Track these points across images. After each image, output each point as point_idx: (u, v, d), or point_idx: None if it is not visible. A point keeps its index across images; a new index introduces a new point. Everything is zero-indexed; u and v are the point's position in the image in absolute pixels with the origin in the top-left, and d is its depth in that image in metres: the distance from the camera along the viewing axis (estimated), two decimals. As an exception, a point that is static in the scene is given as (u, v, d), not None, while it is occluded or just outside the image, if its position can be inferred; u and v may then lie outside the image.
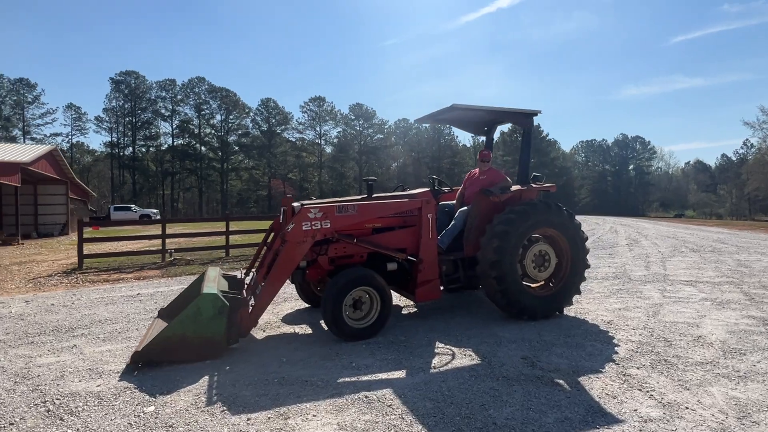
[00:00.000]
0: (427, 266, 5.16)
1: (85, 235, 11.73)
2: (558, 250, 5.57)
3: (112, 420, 3.14)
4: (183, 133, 71.36)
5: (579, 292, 5.62)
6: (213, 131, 72.92)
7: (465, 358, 4.18)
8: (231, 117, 72.86)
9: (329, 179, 77.84)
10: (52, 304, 7.01)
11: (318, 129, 78.68)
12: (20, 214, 24.97)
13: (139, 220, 32.16)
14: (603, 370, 3.84)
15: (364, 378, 3.76)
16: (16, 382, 3.82)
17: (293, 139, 77.19)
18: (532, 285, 5.63)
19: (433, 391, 3.47)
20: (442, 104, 5.52)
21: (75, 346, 4.82)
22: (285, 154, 74.84)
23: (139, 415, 3.19)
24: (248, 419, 3.11)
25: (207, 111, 71.89)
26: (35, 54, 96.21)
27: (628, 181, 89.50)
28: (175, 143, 71.62)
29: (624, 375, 3.74)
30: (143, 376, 3.90)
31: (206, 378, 3.83)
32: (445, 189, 6.20)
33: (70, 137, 71.14)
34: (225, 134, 72.63)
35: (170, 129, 71.58)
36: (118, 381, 3.82)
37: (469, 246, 5.43)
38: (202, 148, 72.34)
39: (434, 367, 3.97)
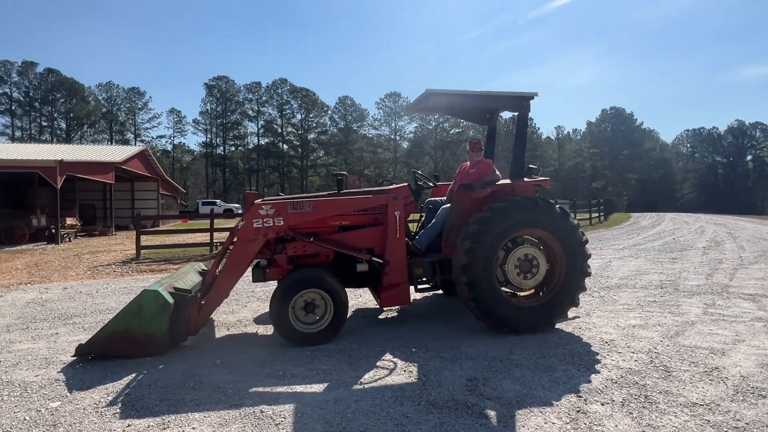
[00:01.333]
0: (394, 269, 4.72)
1: (170, 226, 12.86)
2: (550, 255, 4.81)
3: (15, 413, 3.19)
4: (267, 132, 75.76)
5: (575, 304, 4.79)
6: (294, 130, 76.48)
7: (402, 375, 3.71)
8: (311, 115, 75.84)
9: (404, 174, 77.89)
10: (80, 292, 7.62)
11: (393, 125, 79.06)
12: (117, 208, 28.19)
13: (222, 214, 34.70)
14: (555, 404, 3.16)
15: (280, 389, 3.48)
16: (-28, 367, 4.09)
17: (370, 135, 78.45)
18: (521, 294, 4.93)
19: (337, 413, 3.08)
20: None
21: (56, 334, 5.11)
22: (361, 150, 76.28)
23: (40, 411, 3.21)
24: (129, 425, 2.98)
25: (288, 111, 75.60)
26: (144, 65, 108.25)
27: (744, 174, 78.44)
28: (260, 142, 76.27)
29: (578, 412, 3.05)
30: (82, 369, 3.97)
31: (133, 375, 3.80)
32: (429, 185, 5.66)
33: (172, 138, 78.88)
34: (305, 132, 75.80)
35: (256, 129, 76.36)
36: (57, 372, 3.93)
37: (448, 247, 4.87)
38: (284, 146, 76.20)
39: (361, 383, 3.56)
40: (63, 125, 70.50)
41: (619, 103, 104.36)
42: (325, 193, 5.38)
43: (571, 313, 5.40)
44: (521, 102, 5.06)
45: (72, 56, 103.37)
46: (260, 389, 3.49)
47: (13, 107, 67.66)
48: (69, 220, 21.13)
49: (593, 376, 3.61)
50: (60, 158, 18.39)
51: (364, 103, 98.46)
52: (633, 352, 4.11)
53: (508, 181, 5.00)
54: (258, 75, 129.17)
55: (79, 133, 70.65)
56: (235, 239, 4.63)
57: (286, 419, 3.01)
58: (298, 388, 3.49)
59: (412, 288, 4.93)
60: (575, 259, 4.70)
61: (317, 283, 4.44)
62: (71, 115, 69.73)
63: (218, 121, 75.28)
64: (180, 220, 30.71)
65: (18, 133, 67.66)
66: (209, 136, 76.60)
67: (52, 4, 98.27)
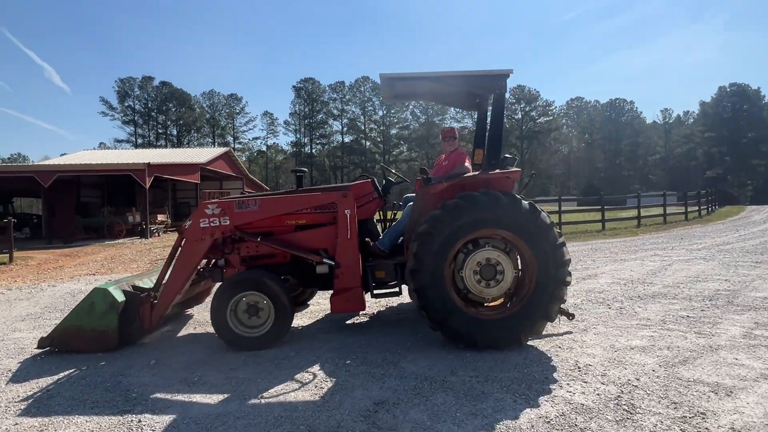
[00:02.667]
0: (345, 271, 4.36)
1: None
2: (520, 260, 4.09)
3: (-53, 401, 3.43)
4: (350, 129, 77.91)
5: (549, 319, 4.00)
6: (376, 126, 77.70)
7: (310, 392, 3.36)
8: (392, 111, 76.40)
9: (487, 168, 75.42)
10: (115, 284, 8.28)
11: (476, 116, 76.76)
12: (194, 206, 30.86)
13: None
14: (451, 443, 2.62)
15: (179, 397, 3.33)
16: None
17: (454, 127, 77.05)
18: (490, 303, 4.27)
19: (208, 430, 2.85)
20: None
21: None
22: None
23: (-36, 400, 3.41)
24: (16, 423, 3.03)
25: (371, 108, 76.94)
26: (241, 72, 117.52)
27: None
28: (343, 140, 78.69)
29: (469, 458, 2.48)
30: (39, 361, 4.21)
31: (70, 371, 3.92)
32: (400, 180, 5.13)
33: (265, 139, 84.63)
34: (386, 128, 76.61)
35: (340, 127, 78.89)
36: (17, 363, 4.20)
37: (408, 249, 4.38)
38: (367, 142, 77.76)
39: (261, 397, 3.28)
40: (174, 132, 78.96)
41: (741, 80, 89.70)
42: (282, 191, 5.15)
43: (564, 326, 4.61)
44: (494, 81, 4.38)
45: (181, 69, 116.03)
46: (162, 395, 3.38)
47: (135, 118, 77.35)
48: (160, 217, 23.52)
49: (527, 411, 2.95)
50: (147, 161, 20.47)
51: None
52: (603, 383, 3.31)
53: (472, 173, 4.36)
54: (341, 75, 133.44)
55: (188, 137, 78.66)
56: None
57: (154, 432, 2.84)
58: (197, 398, 3.31)
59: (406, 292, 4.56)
60: (547, 265, 3.93)
61: (254, 285, 4.24)
62: (181, 122, 77.90)
63: (305, 121, 79.01)
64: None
65: (140, 140, 77.18)
66: (298, 135, 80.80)
67: (165, 24, 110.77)
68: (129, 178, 21.35)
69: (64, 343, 4.38)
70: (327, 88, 78.14)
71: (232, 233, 4.49)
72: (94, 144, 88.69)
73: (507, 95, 4.80)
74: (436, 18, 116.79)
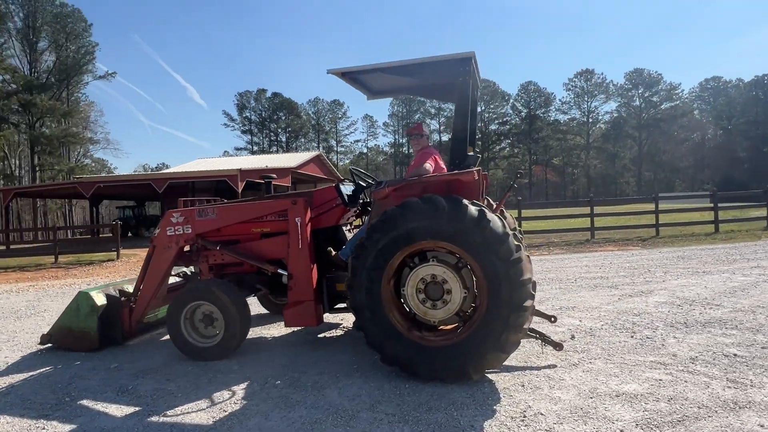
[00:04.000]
0: (296, 283, 4.09)
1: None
2: (472, 278, 3.43)
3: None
4: (447, 128, 76.83)
5: (503, 351, 3.25)
6: (473, 123, 75.71)
7: (209, 415, 3.14)
8: (491, 107, 73.69)
9: (598, 162, 68.76)
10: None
11: (585, 106, 70.45)
12: None
13: None
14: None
15: (97, 407, 3.35)
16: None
17: (559, 120, 71.70)
18: (444, 327, 3.66)
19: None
20: None
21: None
22: (546, 139, 70.39)
23: (-52, 390, 3.86)
24: (-44, 418, 3.31)
25: (468, 104, 75.12)
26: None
27: None
28: (440, 139, 77.88)
29: None
30: (32, 356, 4.65)
31: (46, 369, 4.23)
32: (371, 183, 4.65)
33: (365, 142, 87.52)
34: (484, 124, 74.04)
35: (437, 126, 78.24)
36: (21, 356, 4.68)
37: (366, 260, 3.97)
38: (465, 140, 76.12)
39: (164, 415, 3.15)
40: (283, 138, 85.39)
41: None
42: (248, 198, 5.02)
43: (552, 358, 3.79)
44: (454, 68, 3.75)
45: (290, 80, 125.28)
46: (88, 402, 3.44)
47: (251, 127, 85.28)
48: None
49: (413, 468, 2.40)
50: (239, 168, 22.26)
51: (550, 86, 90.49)
52: (536, 442, 2.59)
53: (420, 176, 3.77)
54: None
55: (296, 143, 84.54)
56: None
57: (40, 442, 2.88)
58: (111, 409, 3.30)
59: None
60: (499, 285, 3.21)
61: (203, 295, 4.16)
62: (289, 129, 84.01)
63: (403, 122, 79.88)
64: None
65: (255, 147, 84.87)
66: (396, 136, 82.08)
67: (275, 39, 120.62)
68: (224, 184, 23.46)
69: (59, 341, 4.76)
70: (424, 88, 78.23)
71: (194, 241, 4.49)
72: (219, 152, 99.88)
73: (479, 82, 4.12)
74: (530, 6, 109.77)
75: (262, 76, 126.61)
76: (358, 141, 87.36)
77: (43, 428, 3.06)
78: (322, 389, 3.44)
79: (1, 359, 4.61)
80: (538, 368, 3.63)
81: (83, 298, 4.62)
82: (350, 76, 4.13)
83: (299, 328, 5.14)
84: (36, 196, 28.34)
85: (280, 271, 4.21)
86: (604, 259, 9.39)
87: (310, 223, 4.16)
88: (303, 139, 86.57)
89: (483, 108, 73.64)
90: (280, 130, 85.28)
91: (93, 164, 66.52)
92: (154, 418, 3.11)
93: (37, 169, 48.05)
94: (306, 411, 3.10)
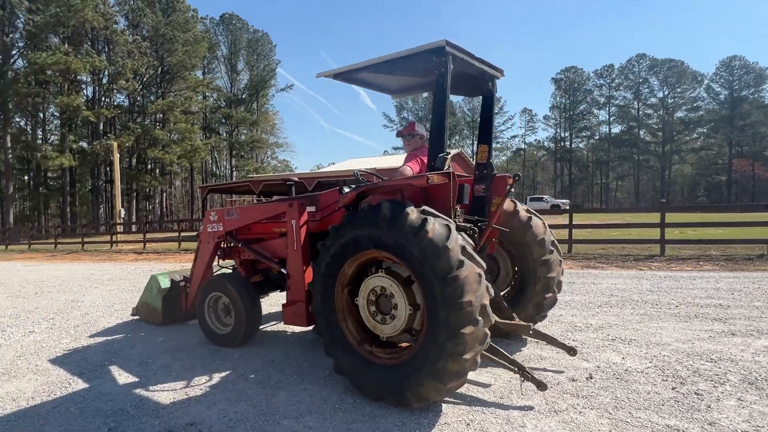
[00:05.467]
0: (293, 283, 4.23)
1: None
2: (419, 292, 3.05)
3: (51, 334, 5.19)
4: (619, 119, 68.01)
5: (441, 381, 2.78)
6: (653, 111, 65.23)
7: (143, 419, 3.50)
8: (677, 90, 62.56)
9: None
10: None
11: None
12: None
13: (549, 210, 34.09)
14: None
15: (73, 379, 3.86)
16: (69, 303, 6.61)
17: (774, 103, 57.17)
18: (402, 344, 3.33)
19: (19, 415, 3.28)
20: None
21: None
22: (755, 125, 56.63)
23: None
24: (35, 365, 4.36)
25: (646, 90, 65.09)
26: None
27: None
28: (609, 131, 69.37)
29: None
30: (123, 324, 5.77)
31: (105, 338, 5.24)
32: (349, 187, 4.39)
33: (523, 137, 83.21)
34: (667, 113, 63.24)
35: (606, 117, 69.86)
36: (116, 323, 5.87)
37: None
38: (640, 131, 66.20)
39: (133, 385, 3.64)
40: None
41: None
42: (269, 201, 5.26)
43: (536, 398, 3.17)
44: (429, 59, 3.38)
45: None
46: (72, 376, 4.11)
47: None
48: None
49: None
50: (374, 167, 23.49)
51: (763, 60, 71.59)
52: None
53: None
54: (609, 57, 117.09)
55: (450, 142, 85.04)
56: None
57: None
58: (117, 374, 3.94)
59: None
60: (435, 304, 2.79)
61: (217, 287, 4.60)
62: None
63: (566, 114, 73.52)
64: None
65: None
66: (558, 130, 76.03)
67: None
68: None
69: (141, 314, 5.82)
70: (591, 75, 70.49)
71: (224, 238, 4.98)
72: (380, 151, 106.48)
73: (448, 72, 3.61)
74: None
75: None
76: (514, 137, 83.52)
77: (69, 384, 3.81)
78: (277, 389, 3.50)
79: (103, 323, 5.85)
80: (507, 407, 3.06)
81: (154, 280, 5.54)
82: (343, 77, 4.05)
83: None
84: (221, 192, 34.46)
85: (282, 270, 4.40)
86: (758, 282, 7.22)
87: (305, 225, 4.23)
88: (457, 137, 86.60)
89: (666, 93, 62.96)
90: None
91: (278, 164, 77.83)
92: (138, 390, 3.60)
93: (234, 169, 58.44)
94: (245, 407, 3.21)
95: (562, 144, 74.60)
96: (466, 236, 3.02)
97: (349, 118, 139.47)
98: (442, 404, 3.12)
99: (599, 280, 7.68)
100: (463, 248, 2.87)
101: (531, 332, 3.84)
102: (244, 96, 60.23)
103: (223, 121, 58.36)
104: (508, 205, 4.28)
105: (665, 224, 10.94)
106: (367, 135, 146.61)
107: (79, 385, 3.78)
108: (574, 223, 11.98)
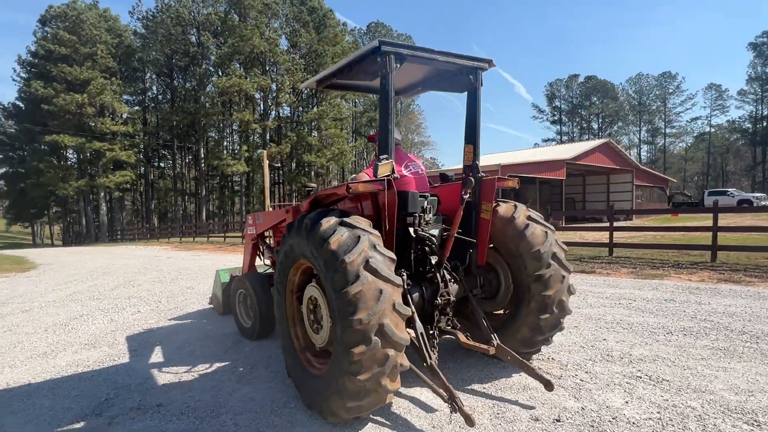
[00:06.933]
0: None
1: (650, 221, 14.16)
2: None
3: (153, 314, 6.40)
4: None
5: (342, 397, 2.61)
6: None
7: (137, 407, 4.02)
8: None
9: None
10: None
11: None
12: (593, 201, 29.99)
13: (735, 207, 28.12)
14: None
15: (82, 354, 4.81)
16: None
17: None
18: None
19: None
20: None
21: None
22: None
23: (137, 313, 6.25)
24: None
25: None
26: (674, 46, 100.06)
27: None
28: None
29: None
30: (195, 312, 6.77)
31: (173, 322, 6.18)
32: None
33: (709, 119, 69.73)
34: None
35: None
36: (196, 309, 6.90)
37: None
38: None
39: (157, 365, 4.26)
40: (595, 126, 78.03)
41: None
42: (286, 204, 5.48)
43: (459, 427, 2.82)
44: (372, 59, 3.22)
45: (605, 61, 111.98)
46: (156, 348, 4.94)
47: (560, 117, 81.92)
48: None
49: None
50: (498, 163, 22.46)
51: None
52: None
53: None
54: None
55: (609, 130, 75.81)
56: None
57: None
58: (154, 354, 4.68)
59: None
60: (336, 317, 2.67)
61: (242, 285, 5.07)
62: (602, 114, 76.11)
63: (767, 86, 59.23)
64: (669, 214, 27.74)
65: (564, 138, 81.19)
66: (759, 107, 61.66)
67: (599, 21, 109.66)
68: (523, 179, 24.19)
69: (213, 303, 6.74)
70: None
71: (256, 240, 5.47)
72: (529, 144, 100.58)
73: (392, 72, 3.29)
74: None
75: (573, 61, 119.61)
76: (696, 119, 70.42)
77: (117, 358, 4.68)
78: (245, 384, 3.75)
79: (189, 309, 6.94)
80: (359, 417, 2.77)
81: (218, 275, 6.38)
82: (324, 86, 4.07)
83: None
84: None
85: (288, 272, 4.66)
86: None
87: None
88: (620, 123, 76.80)
89: None
90: (591, 117, 78.42)
91: (426, 163, 79.69)
92: (154, 370, 4.24)
93: (379, 169, 61.67)
94: (207, 397, 3.53)
95: (764, 124, 60.19)
96: (381, 249, 2.81)
97: (501, 111, 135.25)
98: (370, 422, 2.97)
99: (718, 300, 6.12)
100: (367, 262, 2.69)
101: (509, 358, 3.37)
102: (388, 99, 63.18)
103: (372, 124, 62.15)
104: (506, 210, 3.79)
105: None
106: (519, 127, 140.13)
107: (123, 359, 4.62)
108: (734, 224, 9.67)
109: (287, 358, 3.45)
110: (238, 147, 48.07)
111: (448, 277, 3.60)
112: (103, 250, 25.44)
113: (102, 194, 45.28)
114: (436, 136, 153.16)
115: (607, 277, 8.71)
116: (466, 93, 3.80)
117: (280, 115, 50.71)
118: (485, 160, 34.61)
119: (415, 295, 3.44)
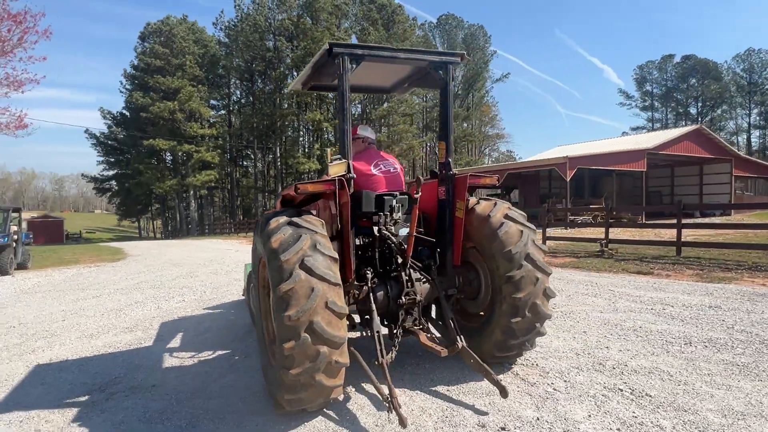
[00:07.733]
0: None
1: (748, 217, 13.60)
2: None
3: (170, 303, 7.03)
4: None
5: (280, 390, 2.72)
6: None
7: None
8: None
9: None
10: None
11: None
12: (684, 194, 27.42)
13: None
14: None
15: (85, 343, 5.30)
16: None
17: None
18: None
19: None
20: None
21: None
22: None
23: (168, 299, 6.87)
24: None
25: None
26: None
27: None
28: None
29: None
30: (227, 303, 7.28)
31: (204, 312, 6.69)
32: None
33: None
34: None
35: None
36: (228, 301, 7.43)
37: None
38: None
39: (169, 350, 4.69)
40: (693, 111, 70.24)
41: None
42: None
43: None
44: (327, 59, 3.29)
45: (706, 38, 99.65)
46: (179, 334, 5.44)
47: (652, 102, 74.84)
48: (594, 207, 23.41)
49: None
50: (566, 155, 21.19)
51: None
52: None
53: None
54: None
55: (711, 114, 67.85)
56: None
57: None
58: (172, 340, 5.15)
59: None
60: (273, 312, 2.80)
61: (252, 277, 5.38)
62: (701, 97, 68.31)
63: None
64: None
65: (657, 125, 74.13)
66: None
67: None
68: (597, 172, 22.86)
69: (245, 295, 7.21)
70: None
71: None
72: (617, 132, 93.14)
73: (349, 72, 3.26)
74: None
75: (666, 41, 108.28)
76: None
77: (141, 342, 5.22)
78: (226, 375, 4.02)
79: (224, 300, 7.49)
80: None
81: (246, 268, 6.82)
82: (308, 87, 4.19)
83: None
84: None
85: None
86: None
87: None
88: (725, 106, 68.40)
89: None
90: (689, 101, 70.67)
91: (501, 156, 77.44)
92: (165, 354, 4.69)
93: (450, 163, 60.94)
94: (189, 385, 3.85)
95: None
96: (322, 248, 2.87)
97: (589, 99, 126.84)
98: (320, 415, 3.06)
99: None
100: (302, 261, 2.78)
101: (471, 361, 3.27)
102: (458, 91, 62.03)
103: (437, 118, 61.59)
104: (484, 208, 3.65)
105: None
106: (608, 115, 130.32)
107: (147, 343, 5.15)
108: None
109: (260, 351, 3.65)
110: (311, 146, 50.15)
111: (418, 276, 3.57)
112: (189, 243, 28.00)
113: (191, 192, 49.69)
114: (510, 128, 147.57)
115: (664, 279, 7.93)
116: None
117: (353, 113, 52.05)
118: (552, 153, 32.72)
119: (380, 293, 3.46)
